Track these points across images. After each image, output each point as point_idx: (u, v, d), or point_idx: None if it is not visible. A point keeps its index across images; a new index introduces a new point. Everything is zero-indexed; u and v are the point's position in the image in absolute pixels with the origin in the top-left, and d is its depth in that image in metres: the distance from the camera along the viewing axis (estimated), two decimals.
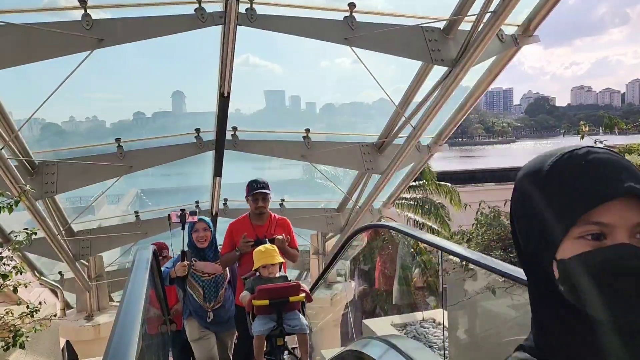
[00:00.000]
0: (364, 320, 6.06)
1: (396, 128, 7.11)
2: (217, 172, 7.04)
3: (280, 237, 4.13)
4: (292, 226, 4.54)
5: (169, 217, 4.13)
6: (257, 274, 3.81)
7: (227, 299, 4.45)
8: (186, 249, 4.17)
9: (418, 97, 6.57)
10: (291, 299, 3.63)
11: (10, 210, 3.47)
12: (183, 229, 4.11)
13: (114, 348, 1.67)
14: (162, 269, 4.13)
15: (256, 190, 4.12)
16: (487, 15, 4.89)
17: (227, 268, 4.47)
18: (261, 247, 3.81)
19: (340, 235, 8.73)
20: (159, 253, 4.66)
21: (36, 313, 3.47)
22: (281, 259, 3.92)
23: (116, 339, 1.74)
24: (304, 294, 3.71)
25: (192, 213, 4.15)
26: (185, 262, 4.08)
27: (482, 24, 5.02)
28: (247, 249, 4.06)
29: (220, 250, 4.45)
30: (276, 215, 4.42)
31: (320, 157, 7.30)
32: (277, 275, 3.81)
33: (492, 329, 3.39)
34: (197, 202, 8.42)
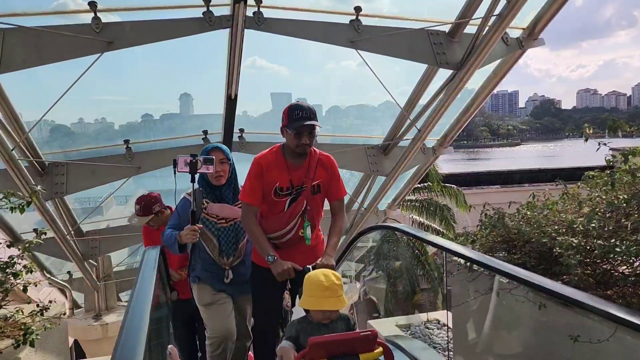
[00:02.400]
0: (368, 321, 6.08)
1: (401, 130, 7.15)
2: None
3: (326, 262, 2.77)
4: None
5: (175, 162, 3.03)
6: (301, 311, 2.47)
7: (248, 253, 3.31)
8: (195, 207, 3.07)
9: (423, 100, 6.61)
10: (362, 357, 2.20)
11: (22, 210, 3.52)
12: (193, 181, 3.03)
13: (122, 347, 1.72)
14: (166, 231, 3.23)
15: (300, 121, 2.73)
16: (493, 18, 4.93)
17: None
18: (320, 276, 2.31)
19: (346, 237, 8.76)
20: (149, 209, 3.90)
21: (46, 311, 3.52)
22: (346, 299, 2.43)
23: (124, 339, 1.78)
24: (380, 349, 2.22)
25: (207, 161, 3.02)
26: (197, 226, 3.03)
27: (487, 27, 5.07)
28: (285, 277, 2.77)
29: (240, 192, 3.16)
30: (317, 150, 3.03)
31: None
32: (336, 317, 2.41)
33: (496, 329, 3.41)
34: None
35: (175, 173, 3.00)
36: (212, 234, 3.21)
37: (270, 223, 2.95)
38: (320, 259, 2.79)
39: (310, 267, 2.74)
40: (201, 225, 3.05)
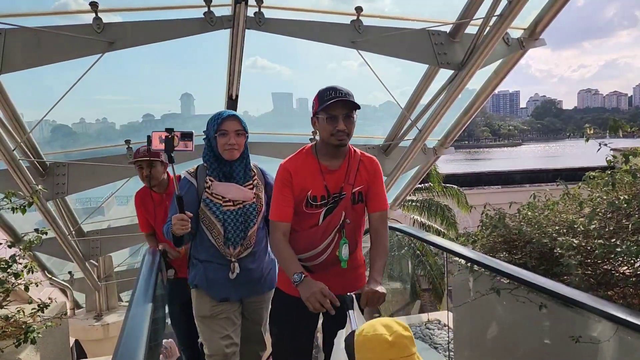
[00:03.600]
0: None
1: (402, 131, 7.15)
2: None
3: (375, 288, 2.15)
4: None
5: (149, 139, 2.55)
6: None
7: (260, 243, 2.85)
8: (181, 191, 2.66)
9: (424, 100, 6.60)
10: None
11: (24, 211, 3.53)
12: (171, 161, 2.54)
13: (123, 347, 1.72)
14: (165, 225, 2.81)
15: (335, 98, 2.19)
16: (494, 18, 4.92)
17: (261, 193, 2.85)
18: (379, 328, 1.53)
19: None
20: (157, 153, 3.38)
21: (46, 308, 3.53)
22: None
23: (125, 339, 1.79)
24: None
25: (186, 137, 2.54)
26: (185, 215, 2.56)
27: (488, 28, 5.06)
28: (317, 306, 2.03)
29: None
30: (358, 150, 2.51)
31: None
32: None
33: (496, 330, 3.41)
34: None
35: (149, 150, 2.91)
36: (216, 218, 2.70)
37: (300, 240, 2.40)
38: (365, 286, 2.17)
39: (352, 294, 2.21)
40: (191, 214, 2.58)
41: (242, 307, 2.95)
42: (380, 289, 2.14)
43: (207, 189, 2.72)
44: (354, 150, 2.44)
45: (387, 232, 2.52)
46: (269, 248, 2.89)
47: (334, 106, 2.18)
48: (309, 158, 2.38)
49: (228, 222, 2.71)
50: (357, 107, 2.22)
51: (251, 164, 2.86)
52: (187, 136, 2.56)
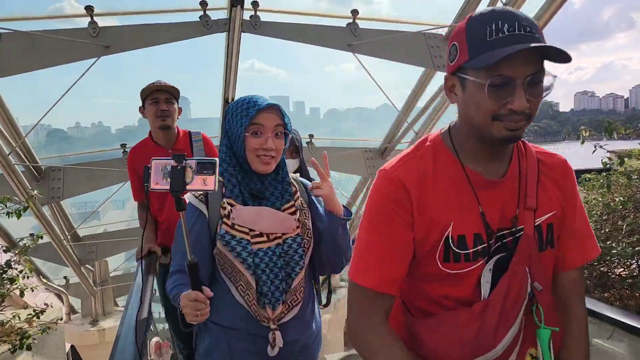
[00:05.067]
0: None
1: (399, 133, 7.15)
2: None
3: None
4: None
5: (147, 171, 1.53)
6: None
7: (309, 297, 1.88)
8: (191, 255, 1.56)
9: (421, 103, 6.62)
10: None
11: (19, 215, 3.53)
12: (180, 208, 1.53)
13: (119, 353, 1.71)
14: (169, 280, 1.87)
15: (509, 43, 1.03)
16: None
17: (308, 220, 1.86)
18: None
19: None
20: (177, 93, 3.07)
21: (42, 314, 3.51)
22: None
23: (120, 344, 1.77)
24: None
25: (205, 168, 1.52)
26: (203, 293, 1.57)
27: None
28: None
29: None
30: (529, 144, 1.35)
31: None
32: None
33: None
34: None
35: (146, 190, 1.50)
36: (242, 263, 1.71)
37: (434, 337, 1.23)
38: None
39: None
40: (211, 294, 1.59)
41: None
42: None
43: (225, 219, 1.74)
44: (524, 145, 1.31)
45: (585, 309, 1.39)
46: (316, 305, 1.96)
47: (513, 61, 1.02)
48: (443, 160, 1.22)
49: (262, 269, 1.71)
50: (565, 58, 1.03)
51: (290, 176, 1.88)
52: (206, 168, 1.52)
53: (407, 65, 5.75)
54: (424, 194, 1.20)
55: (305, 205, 1.88)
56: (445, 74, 1.20)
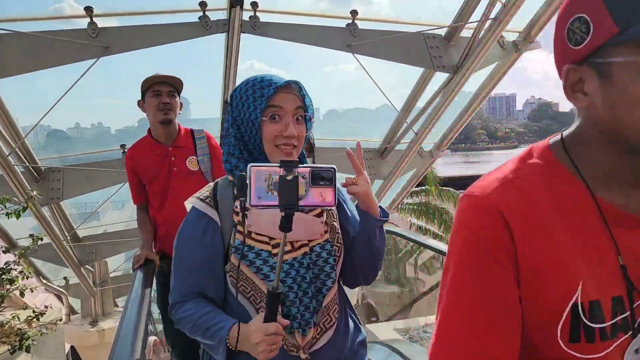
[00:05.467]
0: (367, 325, 6.07)
1: (399, 134, 7.16)
2: None
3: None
4: None
5: (243, 183, 1.20)
6: None
7: (341, 314, 1.54)
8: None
9: (420, 103, 6.62)
10: None
11: (18, 216, 3.53)
12: (286, 229, 1.20)
13: (118, 354, 1.71)
14: (186, 309, 1.50)
15: None
16: (488, 22, 4.94)
17: (336, 222, 1.57)
18: None
19: None
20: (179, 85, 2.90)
21: (42, 316, 3.52)
22: None
23: (119, 346, 1.77)
24: None
25: (323, 178, 1.26)
26: (281, 325, 1.25)
27: (483, 31, 5.08)
28: None
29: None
30: None
31: (324, 163, 7.33)
32: None
33: None
34: None
35: (242, 207, 1.23)
36: (263, 279, 1.40)
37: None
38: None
39: None
40: (287, 322, 1.30)
41: None
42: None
43: (239, 226, 1.42)
44: None
45: None
46: (351, 322, 1.61)
47: None
48: (558, 184, 0.85)
49: (288, 285, 1.41)
50: None
51: None
52: (323, 178, 1.26)
53: (407, 65, 5.75)
54: (535, 234, 0.80)
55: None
56: (567, 66, 0.83)
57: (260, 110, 1.37)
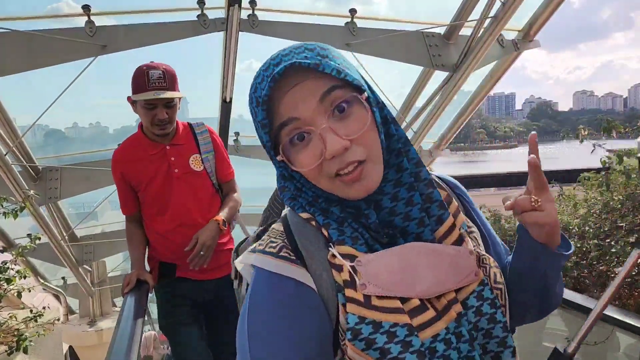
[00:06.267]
0: None
1: None
2: None
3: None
4: None
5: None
6: None
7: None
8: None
9: (419, 102, 6.61)
10: None
11: (15, 216, 3.51)
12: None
13: (115, 354, 1.69)
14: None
15: None
16: (488, 20, 4.93)
17: (480, 246, 0.95)
18: None
19: None
20: (174, 82, 2.37)
21: (40, 317, 3.50)
22: None
23: (117, 346, 1.76)
24: None
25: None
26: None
27: (482, 29, 5.06)
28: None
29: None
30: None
31: None
32: None
33: None
34: None
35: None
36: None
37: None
38: None
39: None
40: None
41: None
42: None
43: (347, 289, 0.79)
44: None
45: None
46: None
47: None
48: None
49: None
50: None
51: (427, 168, 1.01)
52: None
53: (406, 64, 5.74)
54: None
55: (470, 221, 1.00)
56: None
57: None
